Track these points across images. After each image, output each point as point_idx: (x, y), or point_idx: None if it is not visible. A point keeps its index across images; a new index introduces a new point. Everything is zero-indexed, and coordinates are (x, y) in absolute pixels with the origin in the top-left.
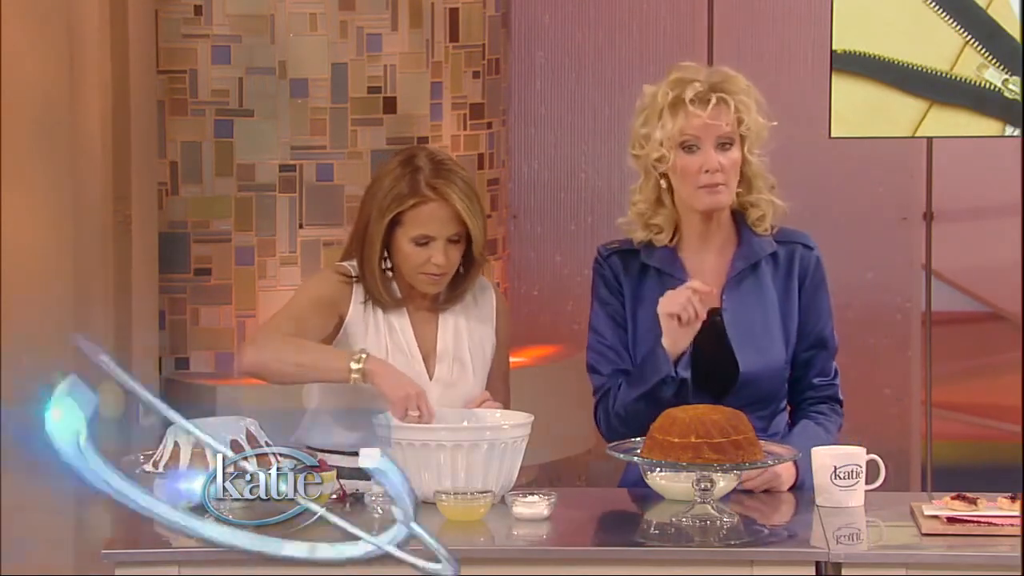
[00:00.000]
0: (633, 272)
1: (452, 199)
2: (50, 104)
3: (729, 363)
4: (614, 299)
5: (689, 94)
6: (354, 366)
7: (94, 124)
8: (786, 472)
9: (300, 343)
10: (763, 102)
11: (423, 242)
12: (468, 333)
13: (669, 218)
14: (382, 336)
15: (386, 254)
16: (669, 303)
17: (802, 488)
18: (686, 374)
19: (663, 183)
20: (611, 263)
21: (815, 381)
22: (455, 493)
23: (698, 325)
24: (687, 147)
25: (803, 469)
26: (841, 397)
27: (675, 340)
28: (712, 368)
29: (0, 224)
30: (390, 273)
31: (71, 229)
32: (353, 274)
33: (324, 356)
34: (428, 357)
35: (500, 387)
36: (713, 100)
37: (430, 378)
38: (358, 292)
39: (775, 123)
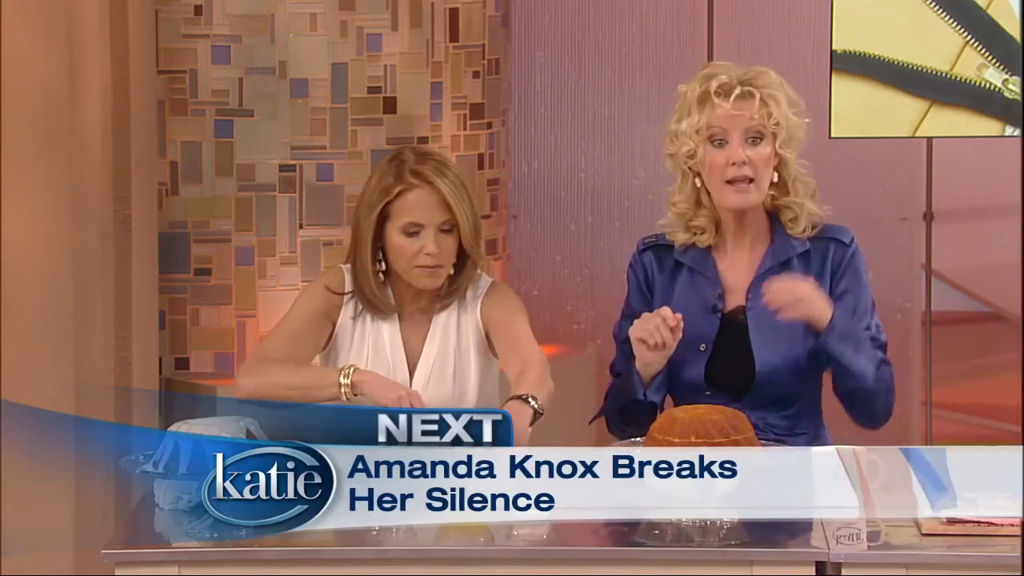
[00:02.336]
0: (667, 268)
1: (437, 184)
2: (50, 104)
3: (750, 361)
4: (641, 308)
5: (714, 86)
6: (343, 380)
7: (94, 124)
8: (819, 299)
9: (291, 368)
10: (797, 99)
11: (413, 231)
12: (457, 332)
13: (710, 218)
14: (366, 345)
15: (381, 257)
16: (638, 328)
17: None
18: (656, 398)
19: (698, 182)
20: (645, 260)
21: None
22: None
23: (669, 351)
24: (715, 141)
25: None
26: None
27: (646, 364)
28: (733, 366)
29: (0, 224)
30: (382, 276)
31: (71, 229)
32: (345, 290)
33: (315, 376)
34: (413, 365)
35: (514, 360)
36: (737, 90)
37: (410, 384)
38: (349, 305)
39: (808, 119)
